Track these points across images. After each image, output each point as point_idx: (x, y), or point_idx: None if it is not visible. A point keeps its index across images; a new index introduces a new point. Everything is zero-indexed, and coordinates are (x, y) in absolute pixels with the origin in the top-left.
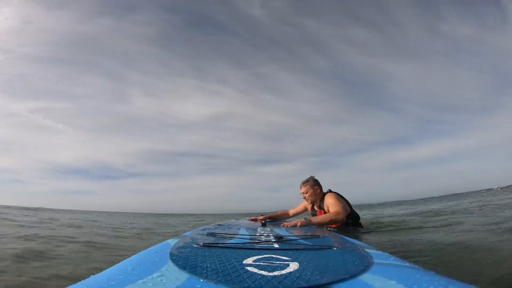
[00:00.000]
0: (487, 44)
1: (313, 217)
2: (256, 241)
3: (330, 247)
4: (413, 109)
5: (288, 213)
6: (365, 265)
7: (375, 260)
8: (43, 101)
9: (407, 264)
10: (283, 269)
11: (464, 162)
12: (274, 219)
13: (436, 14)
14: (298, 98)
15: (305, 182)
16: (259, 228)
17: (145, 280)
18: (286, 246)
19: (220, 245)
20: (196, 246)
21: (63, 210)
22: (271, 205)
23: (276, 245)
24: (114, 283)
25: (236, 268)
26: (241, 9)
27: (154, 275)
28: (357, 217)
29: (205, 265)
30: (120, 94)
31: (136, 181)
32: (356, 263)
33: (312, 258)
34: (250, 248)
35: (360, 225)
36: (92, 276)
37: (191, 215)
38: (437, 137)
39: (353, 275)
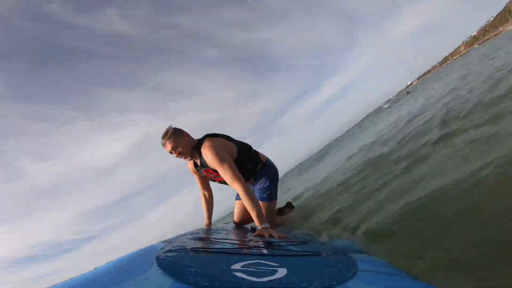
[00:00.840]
0: None
1: (258, 221)
2: (245, 246)
3: (318, 254)
4: (302, 61)
5: (207, 197)
6: (352, 272)
7: (361, 267)
8: None
9: (394, 271)
10: (271, 275)
11: (358, 88)
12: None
13: None
14: (207, 91)
15: (165, 136)
16: (248, 233)
17: (128, 283)
18: (275, 251)
19: (208, 249)
20: (184, 250)
21: None
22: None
23: (265, 251)
24: (95, 285)
25: (224, 273)
26: (99, 29)
27: (138, 278)
28: (249, 153)
29: (192, 270)
30: (8, 170)
31: (95, 243)
32: (343, 270)
33: (300, 264)
34: (238, 253)
35: (262, 165)
36: (73, 278)
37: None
38: (332, 76)
39: (339, 283)
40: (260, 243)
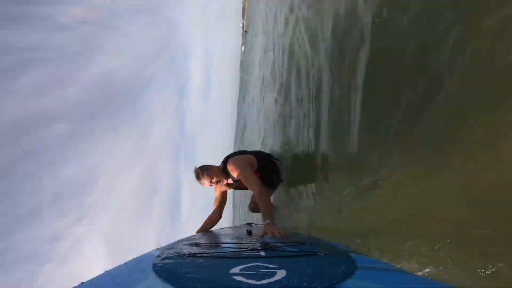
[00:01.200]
0: None
1: (264, 214)
2: (242, 249)
3: (316, 254)
4: None
5: (216, 214)
6: (351, 270)
7: (359, 265)
8: None
9: (392, 267)
10: (271, 277)
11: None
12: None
13: None
14: None
15: (198, 177)
16: (244, 237)
17: None
18: (273, 253)
19: (206, 255)
20: (181, 256)
21: None
22: None
23: (262, 253)
24: None
25: (223, 278)
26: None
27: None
28: (267, 157)
29: (191, 276)
30: None
31: None
32: (341, 268)
33: (299, 265)
34: (236, 257)
35: (278, 173)
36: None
37: None
38: None
39: (338, 281)
40: (258, 246)
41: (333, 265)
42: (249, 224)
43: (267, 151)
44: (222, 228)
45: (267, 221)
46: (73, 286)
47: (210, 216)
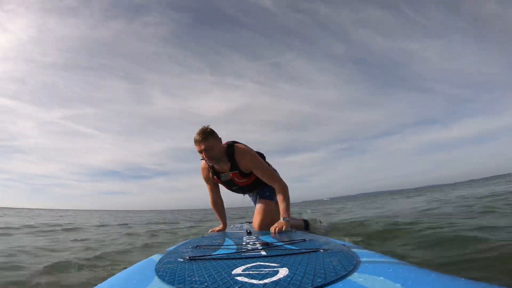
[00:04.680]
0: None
1: (285, 212)
2: (243, 250)
3: (317, 250)
4: (442, 87)
5: (220, 201)
6: (353, 265)
7: (362, 259)
8: (72, 108)
9: (393, 260)
10: (273, 276)
11: (502, 141)
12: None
13: None
14: (316, 85)
15: (206, 135)
16: (244, 237)
17: None
18: (274, 252)
19: (207, 257)
20: (182, 260)
21: (104, 210)
22: (297, 195)
23: (263, 252)
24: None
25: (226, 279)
26: (250, 1)
27: None
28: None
29: (194, 279)
30: (141, 96)
31: (164, 180)
32: (344, 263)
33: (301, 262)
34: (237, 257)
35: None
36: None
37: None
38: (472, 116)
39: (343, 276)
40: (258, 245)
41: (335, 261)
42: (248, 223)
43: None
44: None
45: (287, 218)
46: None
47: (216, 208)
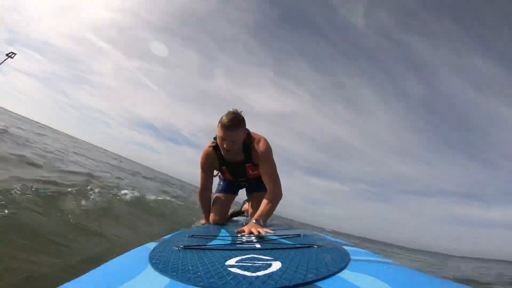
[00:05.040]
0: None
1: (261, 213)
2: (238, 241)
3: (311, 246)
4: (508, 166)
5: (207, 196)
6: (344, 262)
7: (353, 257)
8: (148, 63)
9: (385, 260)
10: (266, 269)
11: None
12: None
13: None
14: (374, 118)
15: (237, 123)
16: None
17: (123, 285)
18: (268, 245)
19: (202, 247)
20: (177, 248)
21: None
22: (304, 216)
23: (258, 245)
24: None
25: (219, 270)
26: (340, 13)
27: (133, 280)
28: None
29: (187, 268)
30: (207, 71)
31: (193, 152)
32: (336, 260)
33: (294, 257)
34: (232, 249)
35: None
36: (67, 283)
37: None
38: None
39: (334, 273)
40: (253, 238)
41: (328, 257)
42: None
43: None
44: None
45: (260, 221)
46: (73, 279)
47: (203, 200)
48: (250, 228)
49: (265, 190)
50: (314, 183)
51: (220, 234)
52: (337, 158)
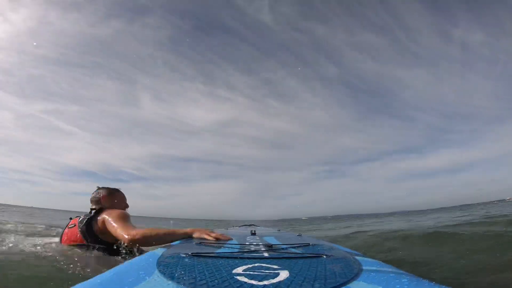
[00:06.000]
0: (503, 51)
1: (180, 234)
2: (246, 250)
3: (320, 255)
4: (425, 117)
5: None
6: (355, 272)
7: (364, 267)
8: (56, 103)
9: (395, 270)
10: (274, 278)
11: (476, 172)
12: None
13: (449, 19)
14: (306, 105)
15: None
16: (248, 237)
17: None
18: (276, 254)
19: (209, 254)
20: (185, 255)
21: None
22: (276, 213)
23: (266, 254)
24: None
25: (226, 278)
26: (249, 13)
27: (140, 285)
28: None
29: (194, 275)
30: (130, 97)
31: (143, 186)
32: (345, 270)
33: (303, 266)
34: (239, 257)
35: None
36: (75, 286)
37: (198, 219)
38: (449, 147)
39: (343, 283)
40: (261, 247)
41: (337, 267)
42: (253, 225)
43: None
44: (226, 229)
45: (194, 233)
46: (79, 283)
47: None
48: (206, 232)
49: None
50: (273, 179)
51: (228, 242)
52: (286, 149)
